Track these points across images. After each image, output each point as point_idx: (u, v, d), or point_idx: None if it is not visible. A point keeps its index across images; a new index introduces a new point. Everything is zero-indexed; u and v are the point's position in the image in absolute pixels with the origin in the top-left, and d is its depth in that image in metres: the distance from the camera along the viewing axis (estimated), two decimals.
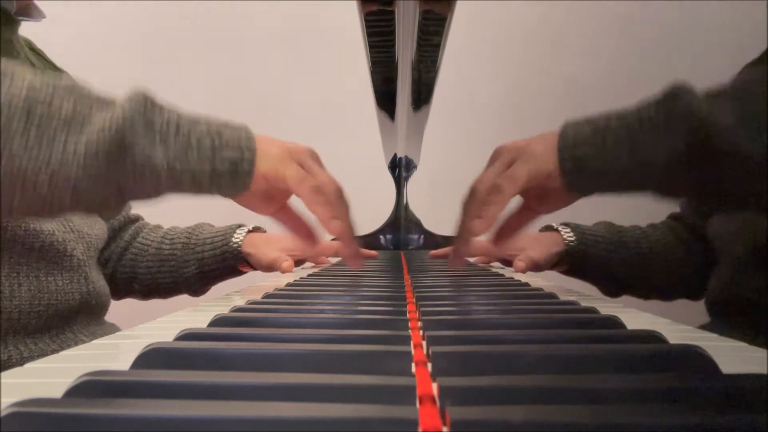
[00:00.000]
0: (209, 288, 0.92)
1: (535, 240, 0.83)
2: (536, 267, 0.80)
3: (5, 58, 0.47)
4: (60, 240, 0.68)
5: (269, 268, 0.82)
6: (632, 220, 0.93)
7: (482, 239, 0.64)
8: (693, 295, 0.87)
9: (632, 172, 0.50)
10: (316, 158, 0.56)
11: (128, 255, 0.89)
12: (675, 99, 0.48)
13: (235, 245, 0.84)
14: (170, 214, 1.00)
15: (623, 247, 0.83)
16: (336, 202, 0.54)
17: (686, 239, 0.86)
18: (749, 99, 0.48)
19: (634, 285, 0.86)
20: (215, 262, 0.86)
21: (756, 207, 0.56)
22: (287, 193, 0.57)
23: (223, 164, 0.49)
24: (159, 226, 0.95)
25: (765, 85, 0.48)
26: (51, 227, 0.67)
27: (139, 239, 0.90)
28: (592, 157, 0.50)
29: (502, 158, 0.55)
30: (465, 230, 0.55)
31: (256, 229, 0.87)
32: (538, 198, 0.58)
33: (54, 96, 0.45)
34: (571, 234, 0.83)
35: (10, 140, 0.43)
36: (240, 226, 0.87)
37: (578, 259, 0.82)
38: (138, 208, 0.98)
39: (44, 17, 0.73)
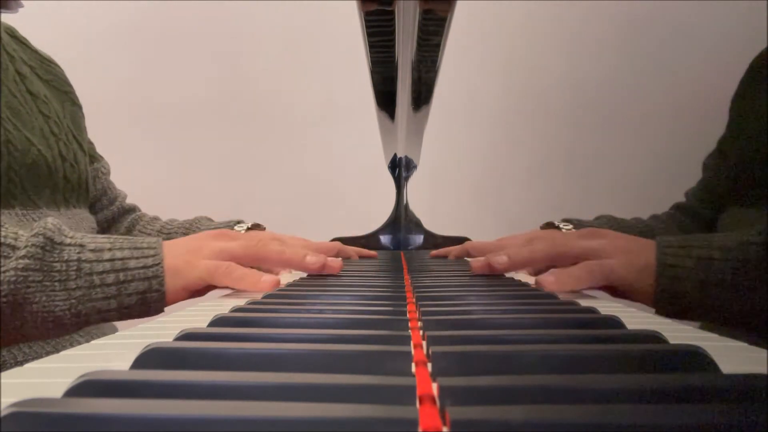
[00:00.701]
0: None
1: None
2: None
3: None
4: None
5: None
6: (634, 211, 0.92)
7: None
8: None
9: (731, 314, 0.49)
10: (222, 237, 0.58)
11: None
12: None
13: None
14: (169, 207, 1.00)
15: None
16: (266, 253, 0.57)
17: (691, 231, 0.86)
18: None
19: None
20: None
21: None
22: None
23: (131, 298, 0.49)
24: (156, 218, 0.94)
25: None
26: None
27: (135, 231, 0.89)
28: (695, 301, 0.49)
29: (597, 244, 0.54)
30: (517, 263, 0.57)
31: (255, 226, 0.86)
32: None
33: None
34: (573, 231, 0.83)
35: None
36: (239, 222, 0.86)
37: None
38: (135, 201, 0.97)
39: (22, 7, 0.72)
